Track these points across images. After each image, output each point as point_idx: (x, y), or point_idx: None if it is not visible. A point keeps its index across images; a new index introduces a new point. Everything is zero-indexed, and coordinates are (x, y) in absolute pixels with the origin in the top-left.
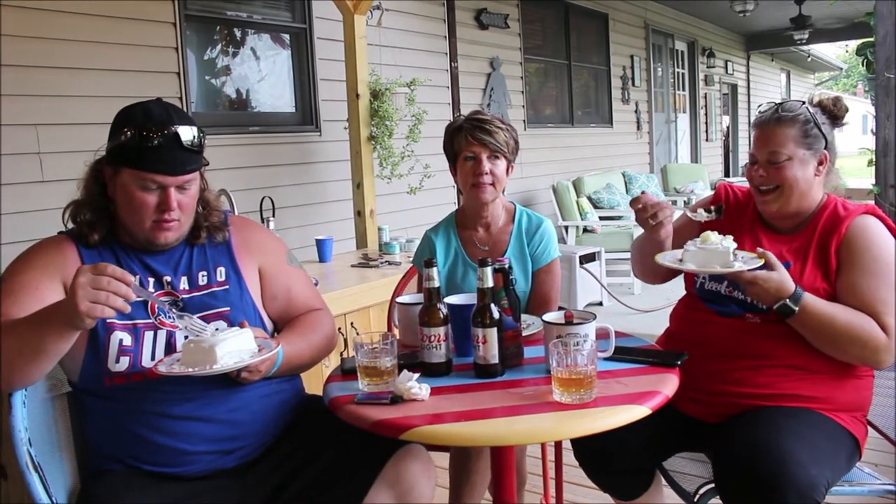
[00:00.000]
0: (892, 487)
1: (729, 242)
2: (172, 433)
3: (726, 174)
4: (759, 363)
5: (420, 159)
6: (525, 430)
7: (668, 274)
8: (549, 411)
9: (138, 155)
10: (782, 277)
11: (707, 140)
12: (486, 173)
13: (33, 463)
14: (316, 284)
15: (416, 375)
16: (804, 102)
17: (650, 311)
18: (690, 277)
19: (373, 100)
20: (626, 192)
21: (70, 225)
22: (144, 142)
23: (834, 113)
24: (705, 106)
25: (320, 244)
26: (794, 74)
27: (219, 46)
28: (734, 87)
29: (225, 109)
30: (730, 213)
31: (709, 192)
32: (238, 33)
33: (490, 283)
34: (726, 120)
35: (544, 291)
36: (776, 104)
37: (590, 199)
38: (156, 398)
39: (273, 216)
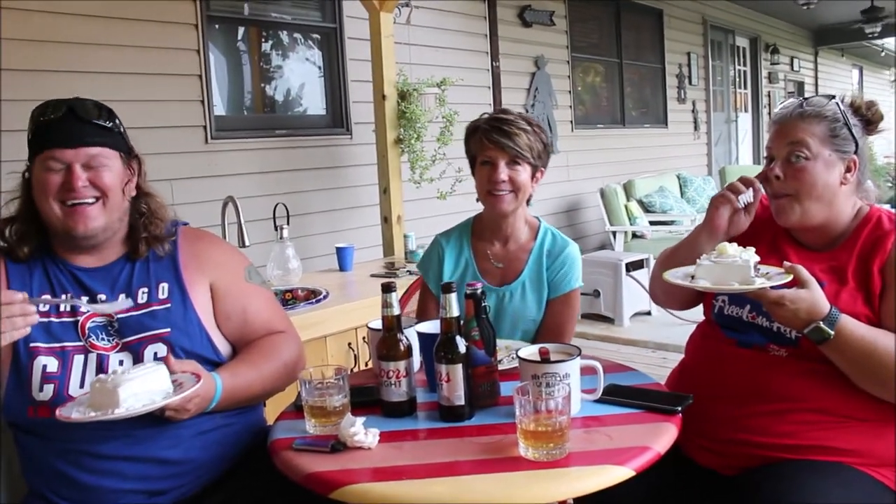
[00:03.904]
0: None
1: (750, 255)
2: (98, 472)
3: None
4: (783, 406)
5: (452, 163)
6: (479, 495)
7: (688, 299)
8: (513, 470)
9: (37, 138)
10: (814, 296)
11: None
12: (503, 181)
13: None
14: (325, 297)
15: (363, 419)
16: (833, 97)
17: (700, 321)
18: (710, 300)
19: (400, 101)
20: (681, 195)
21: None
22: (39, 122)
23: (867, 118)
24: (769, 104)
25: (340, 252)
26: (868, 70)
27: (244, 48)
28: (801, 85)
29: (250, 112)
30: (757, 226)
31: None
32: (264, 34)
33: (456, 312)
34: None
35: (558, 323)
36: (800, 99)
37: (641, 202)
38: (80, 435)
39: (287, 224)
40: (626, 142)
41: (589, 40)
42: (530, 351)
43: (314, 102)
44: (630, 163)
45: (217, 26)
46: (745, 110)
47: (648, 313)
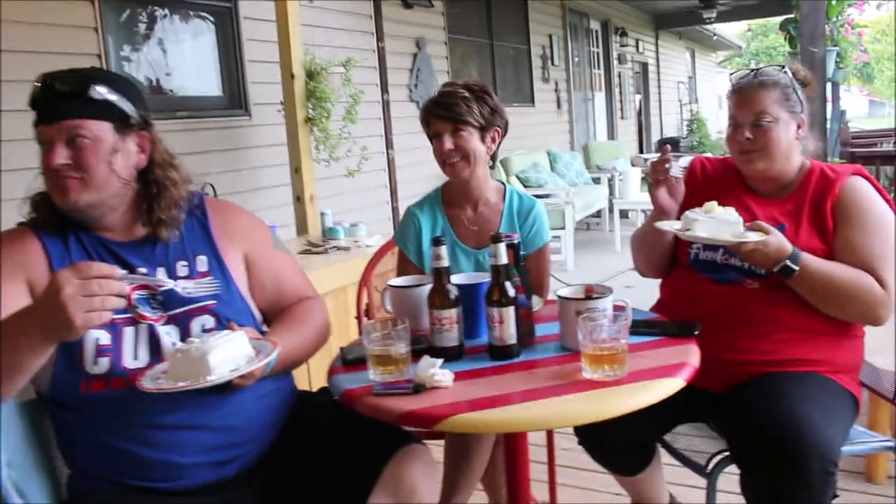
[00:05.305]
0: (891, 443)
1: (734, 214)
2: (163, 445)
3: (640, 150)
4: (763, 329)
5: (357, 141)
6: (569, 411)
7: (668, 264)
8: (584, 390)
9: (34, 113)
10: (779, 240)
11: (622, 118)
12: (449, 149)
13: (16, 488)
14: None
15: (440, 362)
16: (782, 67)
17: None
18: (684, 250)
19: (308, 81)
20: (552, 169)
21: (30, 213)
22: (30, 100)
23: (802, 81)
24: (620, 84)
25: None
26: (698, 53)
27: (140, 28)
28: (645, 66)
29: (149, 94)
30: (710, 183)
31: (630, 169)
32: (161, 14)
33: (504, 260)
34: (638, 98)
35: (536, 277)
36: (752, 70)
37: (518, 178)
38: (140, 408)
39: None
40: None
41: (463, 22)
42: (572, 290)
43: (210, 84)
44: (504, 140)
45: (113, 4)
46: (600, 89)
47: None
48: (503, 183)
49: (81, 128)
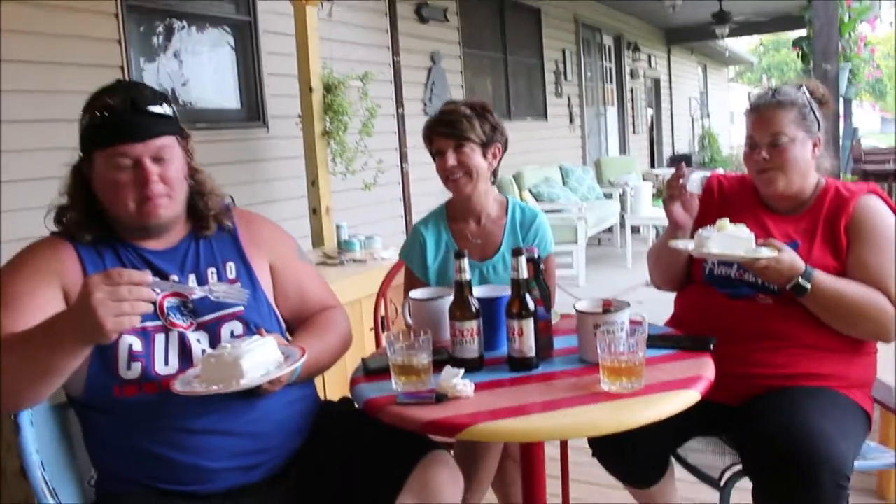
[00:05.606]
0: None
1: (745, 230)
2: (192, 449)
3: (652, 165)
4: (777, 344)
5: (373, 154)
6: (589, 421)
7: (684, 279)
8: (602, 401)
9: (100, 132)
10: (792, 257)
11: (634, 133)
12: (452, 166)
13: (49, 488)
14: None
15: (461, 372)
16: (800, 87)
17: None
18: (699, 265)
19: (326, 94)
20: (564, 184)
21: (56, 227)
22: (101, 115)
23: (820, 99)
24: (632, 99)
25: None
26: (710, 68)
27: (161, 40)
28: (657, 81)
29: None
30: (727, 200)
31: (641, 184)
32: (181, 26)
33: (525, 274)
34: (650, 113)
35: None
36: (770, 89)
37: (530, 192)
38: (171, 412)
39: None
40: (512, 135)
41: (478, 37)
42: (589, 304)
43: (229, 96)
44: (517, 154)
45: (135, 17)
46: (612, 104)
47: None
48: (506, 196)
49: (166, 146)
